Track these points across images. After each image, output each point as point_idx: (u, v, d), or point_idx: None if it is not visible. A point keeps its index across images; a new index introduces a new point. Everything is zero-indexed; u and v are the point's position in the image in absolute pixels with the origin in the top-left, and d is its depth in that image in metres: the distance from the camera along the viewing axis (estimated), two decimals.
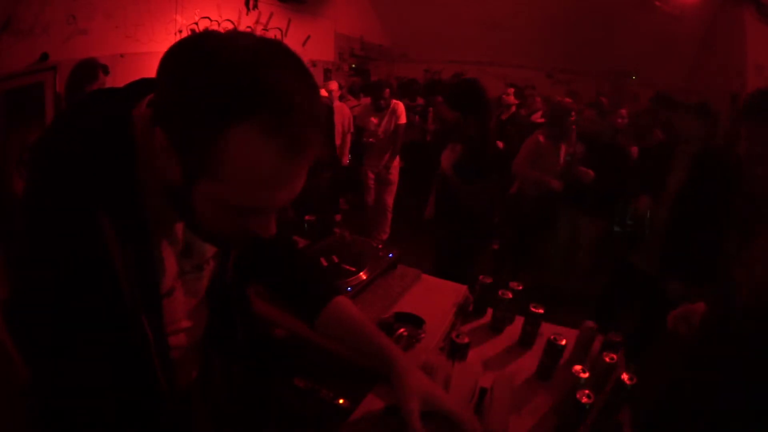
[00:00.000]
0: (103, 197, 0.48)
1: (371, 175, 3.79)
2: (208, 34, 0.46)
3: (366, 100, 4.19)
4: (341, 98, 4.30)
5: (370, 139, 3.63)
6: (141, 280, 0.51)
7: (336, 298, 0.79)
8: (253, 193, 0.48)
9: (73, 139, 0.50)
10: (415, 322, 1.02)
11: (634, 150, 3.32)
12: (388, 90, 3.50)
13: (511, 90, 3.55)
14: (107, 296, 0.49)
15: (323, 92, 3.71)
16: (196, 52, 0.45)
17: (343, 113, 3.86)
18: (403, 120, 3.55)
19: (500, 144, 2.65)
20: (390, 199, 3.82)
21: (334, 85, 4.04)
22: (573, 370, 0.82)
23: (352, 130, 3.96)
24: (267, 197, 0.49)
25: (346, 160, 4.02)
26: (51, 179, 0.49)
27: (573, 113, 2.78)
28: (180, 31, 3.89)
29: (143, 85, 0.57)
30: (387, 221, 3.88)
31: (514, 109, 3.61)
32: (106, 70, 2.47)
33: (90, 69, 2.40)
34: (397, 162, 3.74)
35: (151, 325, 0.54)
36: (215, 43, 0.44)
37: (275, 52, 0.46)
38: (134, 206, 0.51)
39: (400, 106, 3.57)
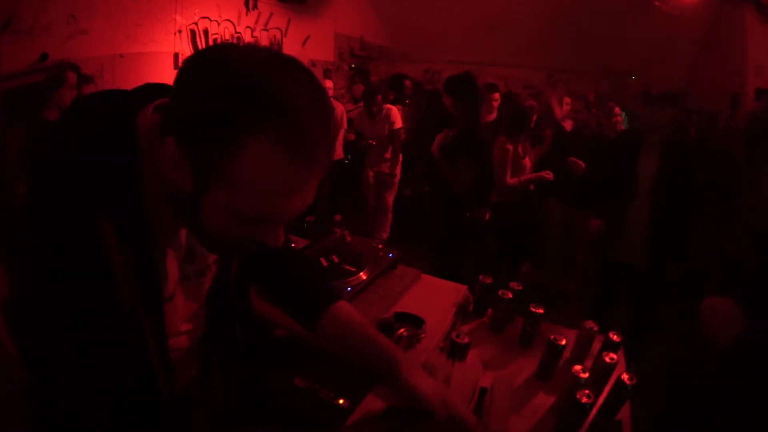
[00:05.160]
0: (106, 203, 0.48)
1: (372, 175, 3.84)
2: (225, 45, 0.48)
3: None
4: (340, 97, 4.37)
5: (370, 141, 3.76)
6: (142, 286, 0.51)
7: (336, 304, 0.78)
8: (265, 203, 0.48)
9: (76, 143, 0.50)
10: (415, 322, 1.02)
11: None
12: (380, 96, 3.60)
13: (497, 95, 3.40)
14: (106, 302, 0.49)
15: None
16: (213, 63, 0.46)
17: (336, 111, 3.94)
18: (398, 125, 3.64)
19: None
20: (390, 199, 3.85)
21: (329, 83, 4.15)
22: (573, 370, 0.82)
23: (345, 126, 4.09)
24: (278, 207, 0.49)
25: (341, 154, 4.12)
26: (53, 183, 0.48)
27: (534, 113, 2.88)
28: (180, 31, 3.89)
29: (149, 90, 0.56)
30: (387, 221, 3.91)
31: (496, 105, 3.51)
32: (76, 69, 2.40)
33: (55, 73, 2.32)
34: (399, 161, 3.79)
35: (151, 330, 0.53)
36: (232, 55, 0.46)
37: (290, 65, 0.47)
38: (137, 212, 0.51)
39: (394, 111, 3.65)
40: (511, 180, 2.67)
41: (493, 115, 3.39)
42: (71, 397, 0.51)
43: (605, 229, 2.31)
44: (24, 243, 0.48)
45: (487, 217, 2.75)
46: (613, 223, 2.20)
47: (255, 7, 4.78)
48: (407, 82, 4.88)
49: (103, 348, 0.50)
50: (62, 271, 0.47)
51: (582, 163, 2.75)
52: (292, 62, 0.48)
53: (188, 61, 0.48)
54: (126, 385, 0.53)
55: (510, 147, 2.66)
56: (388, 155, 3.74)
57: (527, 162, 2.77)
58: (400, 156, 3.79)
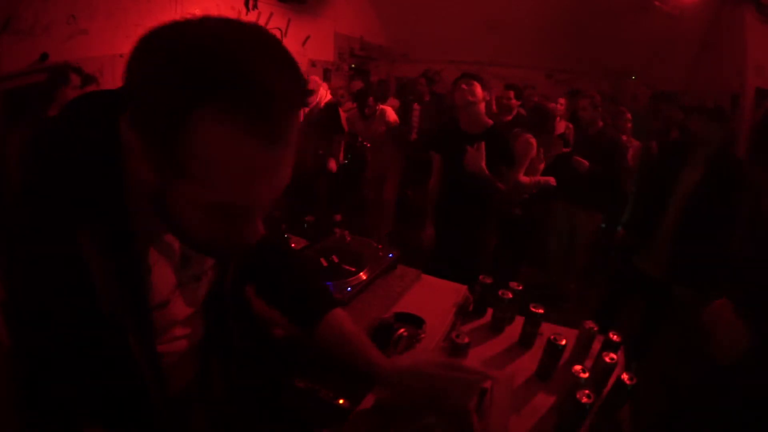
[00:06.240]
0: (87, 212, 0.46)
1: (372, 173, 3.85)
2: (174, 22, 0.43)
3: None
4: (340, 97, 4.38)
5: (365, 143, 3.83)
6: (125, 293, 0.49)
7: (331, 312, 0.78)
8: (229, 190, 0.44)
9: (58, 146, 0.48)
10: (415, 322, 1.02)
11: (653, 145, 3.30)
12: (371, 98, 3.60)
13: (512, 93, 3.46)
14: (86, 309, 0.48)
15: (328, 92, 3.73)
16: (160, 38, 0.42)
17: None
18: (392, 125, 3.64)
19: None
20: (391, 195, 3.86)
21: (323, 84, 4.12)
22: (573, 370, 0.82)
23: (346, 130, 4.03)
24: (244, 193, 0.45)
25: (333, 164, 3.81)
26: (33, 188, 0.47)
27: (556, 114, 2.82)
28: None
29: None
30: (389, 216, 3.91)
31: (515, 111, 3.56)
32: (79, 72, 2.40)
33: (60, 74, 2.34)
34: (397, 158, 3.78)
35: (138, 338, 0.52)
36: (180, 27, 0.42)
37: (246, 32, 0.43)
38: (119, 217, 0.49)
39: (388, 111, 3.65)
40: (524, 177, 2.66)
41: (512, 114, 3.38)
42: (65, 399, 0.51)
43: (632, 238, 2.28)
44: (9, 244, 0.47)
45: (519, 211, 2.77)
46: (644, 233, 2.17)
47: (255, 7, 4.78)
48: (422, 80, 4.70)
49: (89, 352, 0.49)
50: (42, 276, 0.46)
51: (586, 162, 2.76)
52: (251, 27, 0.43)
53: (138, 43, 0.44)
54: (116, 389, 0.53)
55: (534, 143, 2.64)
56: (386, 155, 3.75)
57: (541, 166, 2.78)
58: (399, 154, 3.79)
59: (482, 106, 2.06)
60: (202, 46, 0.40)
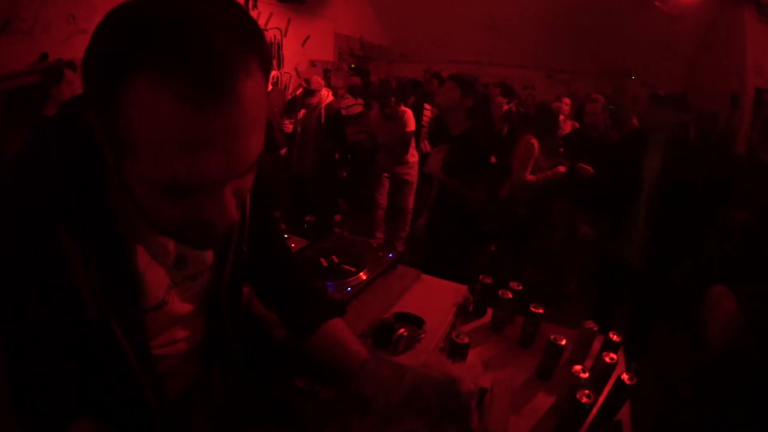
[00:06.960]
0: (69, 215, 0.46)
1: (386, 176, 3.81)
2: None
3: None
4: (340, 97, 4.34)
5: (375, 143, 3.76)
6: (111, 297, 0.49)
7: (329, 322, 0.77)
8: (175, 165, 0.38)
9: (43, 152, 0.48)
10: (415, 322, 1.02)
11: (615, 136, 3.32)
12: (393, 98, 3.55)
13: (497, 90, 3.41)
14: (72, 317, 0.47)
15: (330, 94, 3.71)
16: (106, 16, 0.40)
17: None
18: (409, 128, 3.60)
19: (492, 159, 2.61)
20: (410, 200, 3.83)
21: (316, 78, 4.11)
22: (573, 370, 0.82)
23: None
24: (194, 167, 0.39)
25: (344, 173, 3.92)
26: (15, 197, 0.46)
27: (561, 115, 2.82)
28: None
29: None
30: (406, 221, 3.88)
31: (505, 107, 3.52)
32: (73, 66, 2.42)
33: (53, 71, 2.37)
34: (415, 162, 3.76)
35: (130, 341, 0.51)
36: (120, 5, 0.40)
37: None
38: (102, 219, 0.48)
39: (408, 114, 3.60)
40: (530, 176, 2.67)
41: (501, 110, 3.37)
42: (61, 400, 0.51)
43: (607, 229, 2.30)
44: None
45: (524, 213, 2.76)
46: (616, 223, 2.20)
47: (255, 7, 4.78)
48: (434, 81, 4.63)
49: (83, 355, 0.49)
50: (30, 277, 0.45)
51: (590, 168, 2.76)
52: None
53: None
54: (113, 391, 0.53)
55: (536, 143, 2.66)
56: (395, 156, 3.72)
57: (545, 165, 2.78)
58: (416, 157, 3.76)
59: (461, 109, 2.07)
60: (133, 9, 0.38)
